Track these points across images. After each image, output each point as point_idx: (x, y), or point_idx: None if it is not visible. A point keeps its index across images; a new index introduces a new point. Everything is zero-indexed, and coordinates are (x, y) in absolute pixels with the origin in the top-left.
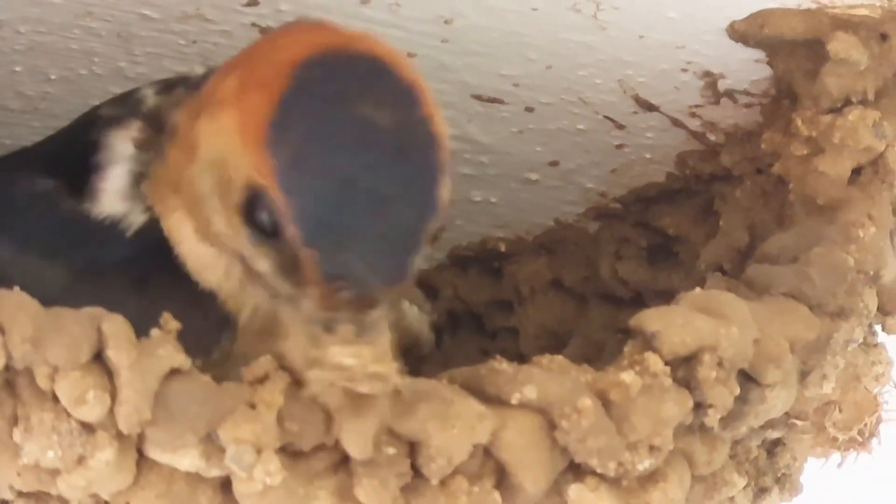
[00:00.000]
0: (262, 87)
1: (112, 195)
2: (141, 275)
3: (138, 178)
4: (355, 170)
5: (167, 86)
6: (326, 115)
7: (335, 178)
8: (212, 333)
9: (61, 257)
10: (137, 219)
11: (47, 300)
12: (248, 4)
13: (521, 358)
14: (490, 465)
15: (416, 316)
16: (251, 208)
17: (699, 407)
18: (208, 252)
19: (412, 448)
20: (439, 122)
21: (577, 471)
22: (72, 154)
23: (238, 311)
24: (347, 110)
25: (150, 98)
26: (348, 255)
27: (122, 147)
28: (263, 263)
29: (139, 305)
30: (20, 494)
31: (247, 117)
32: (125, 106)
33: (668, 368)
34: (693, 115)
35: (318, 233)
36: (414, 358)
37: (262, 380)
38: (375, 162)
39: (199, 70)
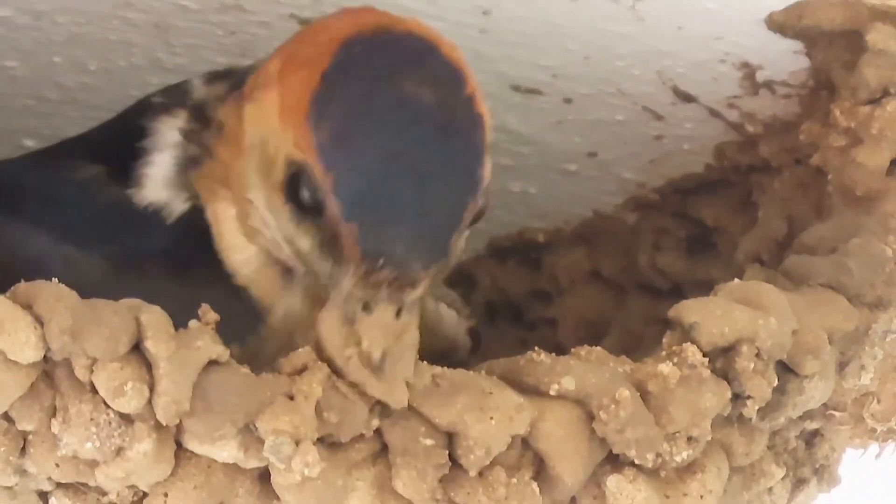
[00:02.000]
0: (304, 65)
1: (156, 182)
2: (178, 264)
3: (183, 167)
4: (398, 146)
5: (215, 77)
6: (369, 91)
7: (377, 153)
8: (242, 328)
9: (100, 246)
10: (179, 207)
11: (86, 288)
12: None
13: (559, 349)
14: (528, 456)
15: (454, 321)
16: (293, 185)
17: (737, 398)
18: (248, 248)
19: (450, 439)
20: (482, 102)
21: (615, 462)
22: (120, 141)
23: (270, 308)
24: (391, 87)
25: (198, 89)
26: (389, 232)
27: (168, 134)
28: (304, 241)
29: (176, 295)
30: (59, 486)
31: (289, 94)
32: (175, 95)
33: (706, 359)
34: (731, 106)
35: (359, 208)
36: (451, 364)
37: (301, 371)
38: (419, 139)
39: (244, 62)
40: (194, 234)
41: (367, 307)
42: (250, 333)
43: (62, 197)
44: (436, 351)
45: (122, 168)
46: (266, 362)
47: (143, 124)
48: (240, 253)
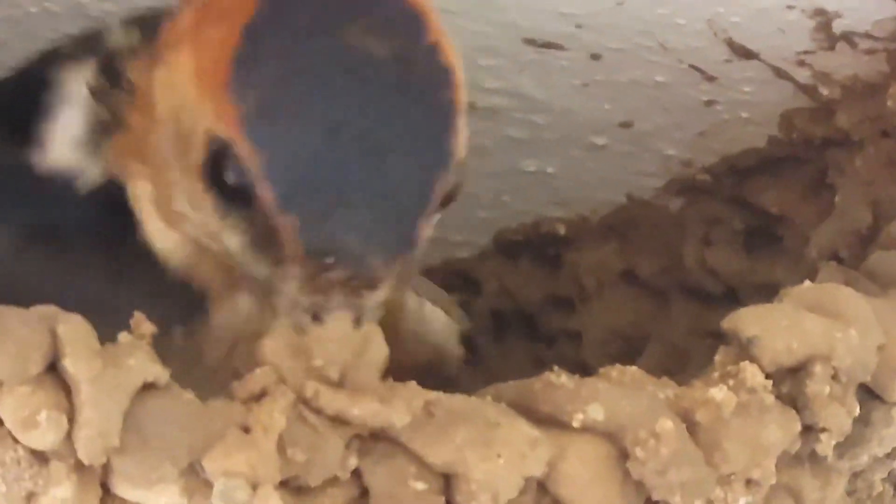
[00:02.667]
0: (222, 16)
1: (63, 143)
2: (94, 244)
3: (97, 127)
4: (343, 112)
5: (133, 21)
6: (304, 46)
7: (316, 121)
8: (176, 317)
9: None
10: (93, 175)
11: None
12: None
13: (584, 369)
14: (546, 503)
15: (442, 324)
16: (215, 169)
17: (809, 430)
18: (172, 235)
19: (447, 482)
20: (450, 52)
21: None
22: (22, 95)
23: (215, 302)
24: (331, 38)
25: (114, 35)
26: (338, 221)
27: (77, 88)
28: (233, 239)
29: (92, 282)
30: None
31: (204, 54)
32: (88, 42)
33: (769, 382)
34: (801, 63)
35: (298, 193)
36: (438, 379)
37: (259, 396)
38: (369, 101)
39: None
40: (115, 208)
41: (317, 317)
42: (184, 326)
43: None
44: (419, 363)
45: (25, 128)
46: (203, 374)
47: (48, 76)
48: (163, 240)
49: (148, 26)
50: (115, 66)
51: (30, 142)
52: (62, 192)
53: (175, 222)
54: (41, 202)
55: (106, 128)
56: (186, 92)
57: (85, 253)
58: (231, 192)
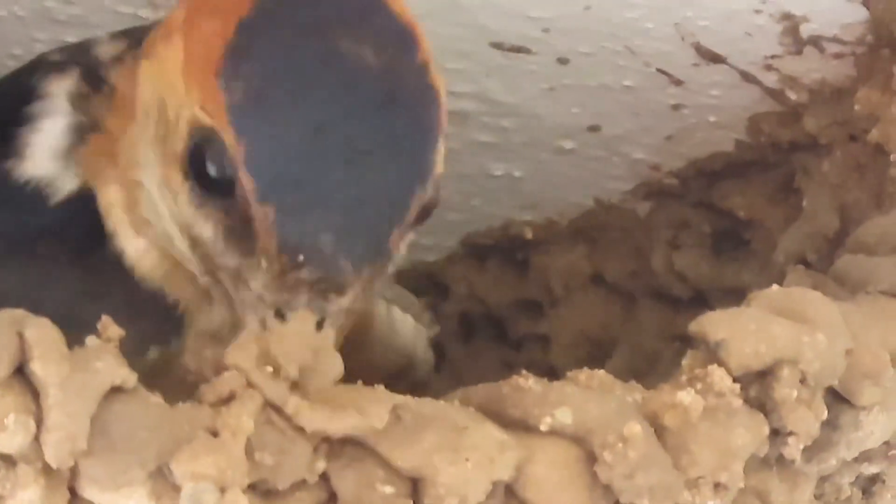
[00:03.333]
0: (217, 11)
1: (42, 153)
2: (65, 255)
3: (76, 137)
4: (330, 114)
5: (119, 35)
6: (296, 45)
7: (303, 119)
8: (150, 338)
9: None
10: (66, 185)
11: None
12: None
13: (552, 373)
14: None
15: (411, 329)
16: (197, 157)
17: (777, 434)
18: (138, 241)
19: (415, 486)
20: (437, 75)
21: None
22: (6, 104)
23: (190, 316)
24: (324, 42)
25: (100, 46)
26: (313, 220)
27: (60, 98)
28: (206, 228)
29: (61, 295)
30: None
31: (196, 45)
32: (74, 52)
33: (737, 386)
34: (769, 67)
35: (278, 187)
36: (407, 385)
37: (228, 400)
38: (356, 107)
39: (155, 14)
40: (86, 218)
41: (280, 314)
42: (160, 345)
43: None
44: (390, 368)
45: (4, 136)
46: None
47: (33, 85)
48: (134, 250)
49: (134, 37)
50: (97, 73)
51: (9, 150)
52: (35, 202)
53: (143, 229)
54: (13, 211)
55: (84, 135)
56: (174, 81)
57: (55, 264)
58: (209, 181)
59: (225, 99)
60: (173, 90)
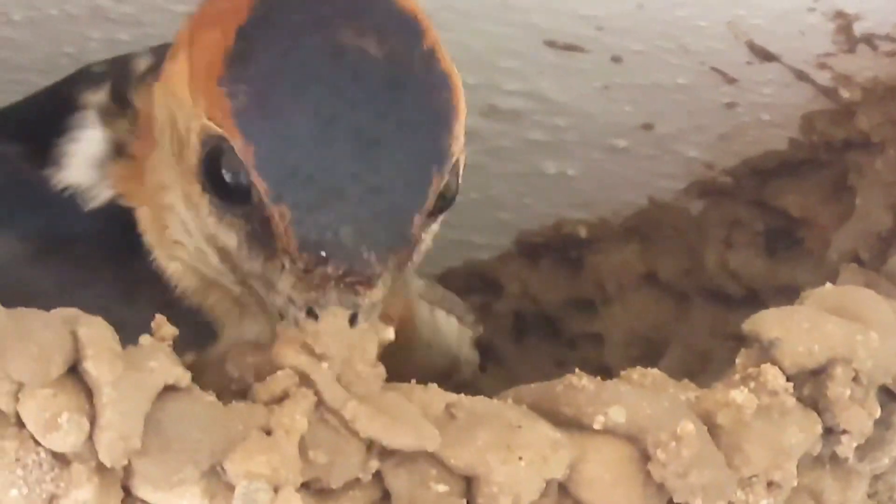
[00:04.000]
0: (217, 21)
1: (79, 162)
2: (98, 258)
3: (110, 150)
4: (336, 105)
5: (152, 50)
6: (297, 43)
7: (309, 115)
8: (187, 341)
9: (11, 226)
10: (101, 194)
11: None
12: None
13: (605, 371)
14: None
15: (455, 330)
16: (211, 167)
17: (830, 433)
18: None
19: (468, 484)
20: (447, 60)
21: None
22: (48, 114)
23: (222, 324)
24: (324, 36)
25: (137, 62)
26: (331, 213)
27: (94, 111)
28: (230, 238)
29: (98, 297)
30: None
31: (199, 56)
32: (114, 65)
33: (790, 385)
34: (822, 66)
35: (290, 185)
36: (452, 386)
37: (281, 399)
38: (362, 97)
39: None
40: (119, 226)
41: (311, 313)
42: (195, 350)
43: None
44: (433, 370)
45: (44, 145)
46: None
47: (74, 97)
48: (167, 265)
49: (160, 53)
50: (124, 92)
51: (48, 159)
52: (71, 207)
53: (175, 250)
54: (50, 216)
55: (115, 149)
56: (182, 96)
57: (90, 266)
58: (227, 190)
59: (230, 105)
60: (182, 105)
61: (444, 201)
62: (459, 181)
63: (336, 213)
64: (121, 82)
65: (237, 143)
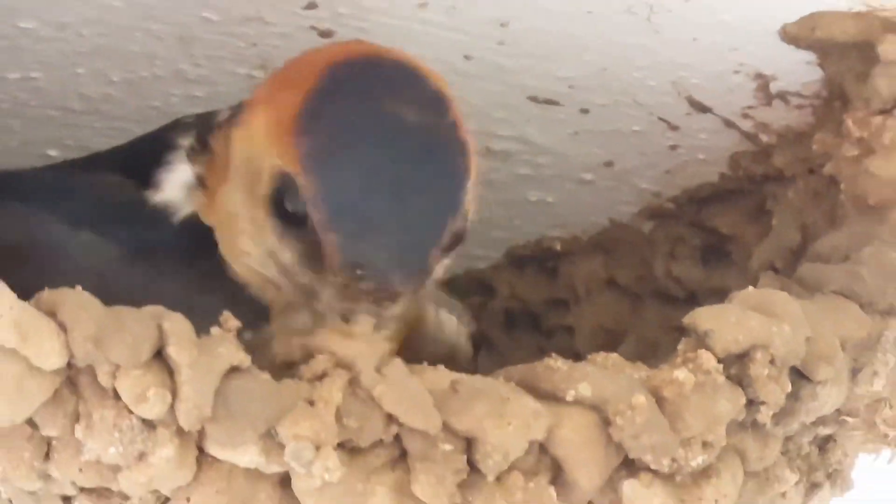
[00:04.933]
0: (292, 85)
1: (172, 186)
2: (182, 258)
3: (194, 179)
4: (381, 160)
5: (232, 108)
6: (354, 108)
7: (360, 166)
8: (248, 322)
9: (113, 234)
10: (184, 210)
11: (101, 268)
12: (307, 7)
13: (576, 356)
14: (545, 461)
15: (454, 327)
16: (277, 198)
17: (751, 404)
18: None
19: (469, 444)
20: (466, 130)
21: (631, 467)
22: (149, 152)
23: (276, 310)
24: (375, 105)
25: (219, 116)
26: (369, 242)
27: (184, 150)
28: (287, 254)
29: (181, 284)
30: (82, 490)
31: (277, 110)
32: (201, 117)
33: (721, 366)
34: (746, 116)
35: (340, 218)
36: (451, 370)
37: (321, 377)
38: (401, 155)
39: (264, 73)
40: (197, 233)
41: (345, 318)
42: (254, 330)
43: (84, 195)
44: (436, 357)
45: (146, 174)
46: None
47: (171, 139)
48: (238, 266)
49: (235, 110)
50: (205, 138)
51: (149, 184)
52: (162, 219)
53: (241, 258)
54: (146, 226)
55: (197, 180)
56: (259, 140)
57: (177, 264)
58: (288, 217)
59: (299, 151)
60: (259, 147)
61: (456, 240)
62: (468, 225)
63: (372, 243)
64: (204, 131)
65: (301, 182)
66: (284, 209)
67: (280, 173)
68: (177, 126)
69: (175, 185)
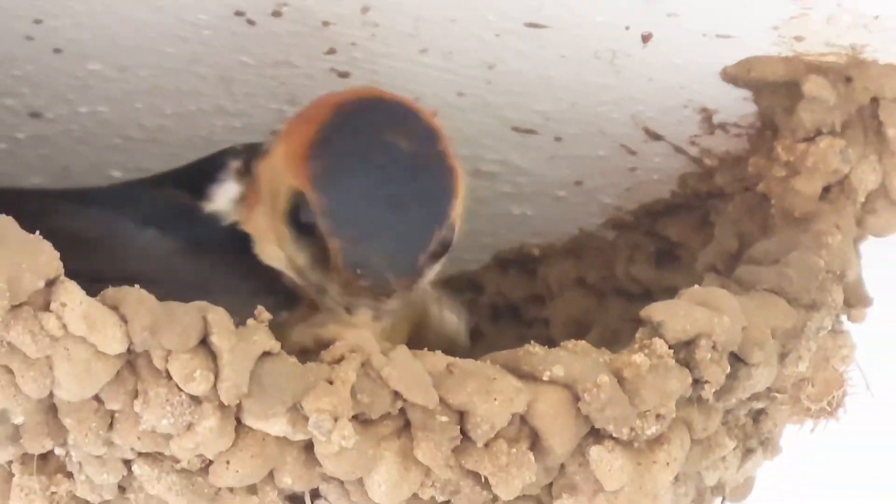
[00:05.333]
0: (307, 121)
1: (222, 198)
2: (228, 253)
3: (240, 194)
4: (378, 180)
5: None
6: (357, 138)
7: (360, 184)
8: (284, 304)
9: (174, 232)
10: (231, 217)
11: (164, 259)
12: (328, 52)
13: (551, 343)
14: (525, 430)
15: (455, 323)
16: (294, 212)
17: (697, 383)
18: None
19: (462, 416)
20: (454, 159)
21: (596, 435)
22: (205, 171)
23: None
24: (375, 135)
25: (264, 146)
26: (367, 247)
27: (233, 171)
28: (302, 257)
29: (223, 272)
30: (140, 455)
31: (293, 142)
32: (249, 146)
33: (671, 351)
34: (692, 143)
35: (344, 225)
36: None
37: (339, 360)
38: (396, 176)
39: (293, 108)
40: (242, 237)
41: (348, 310)
42: (288, 311)
43: (150, 203)
44: (439, 346)
45: (200, 188)
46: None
47: (224, 161)
48: (272, 263)
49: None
50: (250, 163)
51: (202, 196)
52: (213, 222)
53: (272, 259)
54: (200, 227)
55: (241, 197)
56: (280, 166)
57: (225, 259)
58: (302, 227)
59: (309, 173)
60: (279, 172)
61: (443, 248)
62: (455, 236)
63: (370, 248)
64: (250, 157)
65: (312, 198)
66: (299, 221)
67: (295, 192)
68: (229, 151)
69: (224, 198)
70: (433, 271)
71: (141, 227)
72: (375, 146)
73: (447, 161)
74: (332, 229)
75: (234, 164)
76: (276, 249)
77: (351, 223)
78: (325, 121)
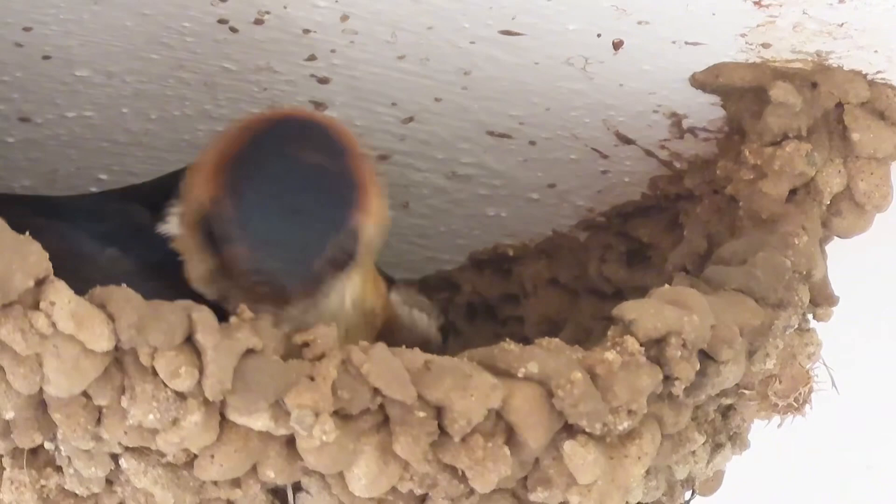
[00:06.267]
0: (224, 140)
1: (171, 219)
2: (174, 275)
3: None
4: (278, 191)
5: None
6: (262, 153)
7: (261, 196)
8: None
9: (132, 251)
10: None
11: (121, 277)
12: (308, 59)
13: (525, 340)
14: (501, 425)
15: (426, 322)
16: (203, 224)
17: (667, 379)
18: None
19: (439, 412)
20: (363, 171)
21: (570, 430)
22: (163, 189)
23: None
24: (280, 151)
25: None
26: (264, 255)
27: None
28: (211, 264)
29: (175, 292)
30: (127, 449)
31: (209, 161)
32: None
33: (642, 349)
34: (662, 147)
35: (245, 235)
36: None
37: (320, 357)
38: (295, 187)
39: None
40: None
41: (252, 314)
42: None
43: (112, 220)
44: (412, 345)
45: (159, 207)
46: None
47: (177, 180)
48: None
49: None
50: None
51: (160, 216)
52: (164, 243)
53: (192, 277)
54: (152, 247)
55: (181, 218)
56: (197, 185)
57: (173, 279)
58: (212, 238)
59: (217, 188)
60: (195, 186)
61: (347, 256)
62: (359, 248)
63: (267, 255)
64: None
65: (215, 209)
66: (210, 233)
67: (204, 205)
68: (182, 172)
69: (174, 218)
70: (342, 280)
71: (102, 245)
72: (278, 160)
73: (354, 175)
74: (234, 239)
75: (181, 184)
76: (193, 264)
77: (250, 232)
78: (235, 137)
